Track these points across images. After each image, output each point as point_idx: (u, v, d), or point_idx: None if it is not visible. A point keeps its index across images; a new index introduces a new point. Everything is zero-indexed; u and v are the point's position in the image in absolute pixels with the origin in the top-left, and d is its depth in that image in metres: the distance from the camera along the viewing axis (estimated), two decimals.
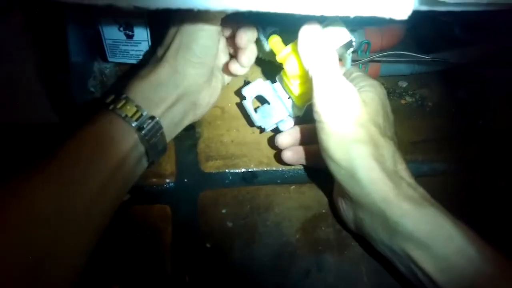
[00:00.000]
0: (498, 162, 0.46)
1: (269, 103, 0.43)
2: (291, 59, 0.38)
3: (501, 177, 0.44)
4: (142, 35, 0.45)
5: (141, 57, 0.47)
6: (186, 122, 0.41)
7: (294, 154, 0.42)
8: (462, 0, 0.28)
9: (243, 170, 0.44)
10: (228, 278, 0.38)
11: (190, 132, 0.46)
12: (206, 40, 0.37)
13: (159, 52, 0.38)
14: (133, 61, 0.47)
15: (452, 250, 0.30)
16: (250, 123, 0.44)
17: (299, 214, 0.41)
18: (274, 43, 0.39)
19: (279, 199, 0.42)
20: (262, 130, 0.43)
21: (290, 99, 0.42)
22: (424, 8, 0.29)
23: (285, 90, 0.42)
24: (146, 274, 0.37)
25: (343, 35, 0.36)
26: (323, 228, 0.41)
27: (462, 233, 0.30)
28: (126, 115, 0.34)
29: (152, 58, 0.39)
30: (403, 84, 0.52)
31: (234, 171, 0.44)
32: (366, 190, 0.32)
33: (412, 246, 0.31)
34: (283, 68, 0.40)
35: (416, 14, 0.29)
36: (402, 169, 0.34)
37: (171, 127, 0.39)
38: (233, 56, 0.41)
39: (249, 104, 0.42)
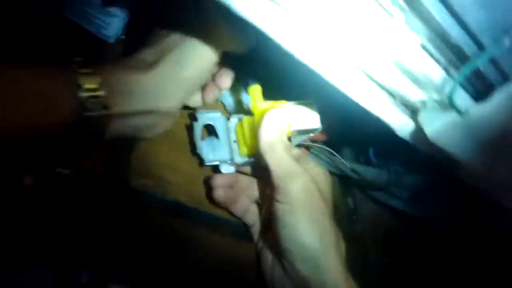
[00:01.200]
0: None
1: (217, 138, 0.42)
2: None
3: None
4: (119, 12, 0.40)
5: (104, 31, 0.40)
6: (127, 134, 0.36)
7: (225, 196, 0.40)
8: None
9: (173, 199, 0.40)
10: None
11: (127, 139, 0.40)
12: (205, 68, 0.35)
13: (148, 55, 0.35)
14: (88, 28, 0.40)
15: None
16: (193, 149, 0.42)
17: (218, 262, 0.39)
18: (255, 91, 0.40)
19: (202, 242, 0.39)
20: (202, 161, 0.41)
21: (235, 143, 0.42)
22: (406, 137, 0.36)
23: (235, 133, 0.42)
24: None
25: (314, 120, 0.40)
26: (236, 281, 0.39)
27: None
28: (81, 85, 0.29)
29: (136, 54, 0.35)
30: None
31: (164, 198, 0.39)
32: (323, 276, 0.33)
33: None
34: (246, 114, 0.40)
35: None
36: (345, 262, 0.38)
37: (113, 131, 0.33)
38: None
39: (199, 128, 0.40)
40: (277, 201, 0.34)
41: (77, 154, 0.35)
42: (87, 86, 0.29)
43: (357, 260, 0.54)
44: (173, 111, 0.36)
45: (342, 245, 0.38)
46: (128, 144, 0.39)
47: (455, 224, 0.57)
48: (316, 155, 0.55)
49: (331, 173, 0.59)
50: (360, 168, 0.57)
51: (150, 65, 0.33)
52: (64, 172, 0.34)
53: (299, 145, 0.50)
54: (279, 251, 0.36)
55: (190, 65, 0.34)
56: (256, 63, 0.44)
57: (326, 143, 0.59)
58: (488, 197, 0.38)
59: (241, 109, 0.46)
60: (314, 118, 0.40)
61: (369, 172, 0.56)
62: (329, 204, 0.37)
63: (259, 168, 0.43)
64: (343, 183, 0.62)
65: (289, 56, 0.28)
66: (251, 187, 0.43)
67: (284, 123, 0.36)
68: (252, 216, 0.42)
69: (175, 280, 0.36)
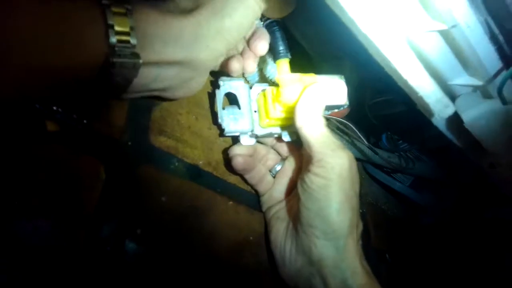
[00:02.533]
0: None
1: (239, 107, 0.40)
2: (294, 86, 0.36)
3: None
4: None
5: None
6: (156, 91, 0.34)
7: (244, 164, 0.39)
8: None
9: (191, 162, 0.38)
10: (140, 275, 0.31)
11: None
12: (247, 20, 0.33)
13: (186, 1, 0.32)
14: None
15: None
16: (213, 116, 0.40)
17: (231, 233, 0.39)
18: (283, 63, 0.39)
19: (217, 210, 0.38)
20: (222, 131, 0.40)
21: (256, 113, 0.40)
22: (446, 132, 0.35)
23: (258, 104, 0.40)
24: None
25: (342, 97, 0.39)
26: (248, 255, 0.39)
27: None
28: (112, 26, 0.26)
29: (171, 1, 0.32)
30: None
31: (182, 159, 0.38)
32: (340, 256, 0.33)
33: None
34: (271, 85, 0.39)
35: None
36: (360, 244, 0.37)
37: (143, 83, 0.31)
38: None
39: (220, 95, 0.38)
40: (314, 174, 0.33)
41: (99, 105, 0.33)
42: (118, 28, 0.26)
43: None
44: (209, 65, 0.34)
45: (360, 226, 0.37)
46: (150, 100, 0.38)
47: (454, 214, 0.58)
48: (331, 129, 0.54)
49: None
50: (384, 153, 0.57)
51: (188, 11, 0.30)
52: (84, 122, 0.32)
53: None
54: (297, 225, 0.35)
55: (231, 15, 0.31)
56: (288, 31, 0.42)
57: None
58: (503, 189, 0.39)
59: (263, 79, 0.44)
60: (343, 94, 0.39)
61: (393, 159, 0.56)
62: (359, 185, 0.37)
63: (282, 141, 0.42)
64: None
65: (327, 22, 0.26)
66: (267, 157, 0.42)
67: (323, 98, 0.35)
68: (265, 185, 0.41)
69: (188, 245, 0.35)
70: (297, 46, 0.46)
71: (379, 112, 0.57)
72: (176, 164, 0.37)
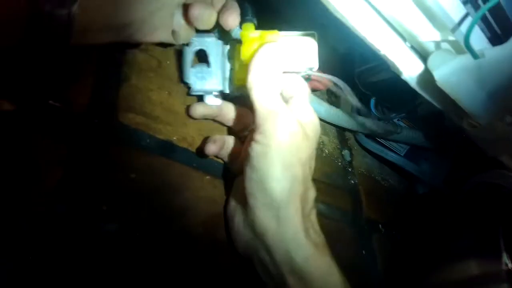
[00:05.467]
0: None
1: (209, 67, 0.39)
2: (253, 45, 0.35)
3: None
4: None
5: None
6: (116, 32, 0.31)
7: (216, 148, 0.38)
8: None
9: (164, 138, 0.38)
10: (112, 253, 0.31)
11: (115, 68, 0.37)
12: None
13: None
14: None
15: None
16: (180, 78, 0.39)
17: (206, 207, 0.38)
18: (247, 26, 0.37)
19: (191, 185, 0.38)
20: (189, 90, 0.39)
21: (230, 71, 0.39)
22: (412, 83, 0.34)
23: (231, 61, 0.39)
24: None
25: (311, 59, 0.37)
26: (223, 229, 0.39)
27: (344, 284, 0.34)
28: None
29: None
30: None
31: (154, 135, 0.38)
32: (281, 228, 0.32)
33: (298, 283, 0.32)
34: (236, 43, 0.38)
35: None
36: (313, 213, 0.36)
37: (95, 29, 0.28)
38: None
39: (190, 53, 0.37)
40: (255, 141, 0.32)
41: (62, 82, 0.33)
42: None
43: (349, 212, 0.54)
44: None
45: (311, 195, 0.36)
46: (116, 75, 0.37)
47: (445, 184, 0.56)
48: (319, 98, 0.52)
49: (331, 124, 0.58)
50: (366, 120, 0.55)
51: None
52: (56, 105, 0.31)
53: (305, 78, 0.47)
54: (243, 197, 0.34)
55: None
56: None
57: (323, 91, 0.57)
58: (487, 151, 0.37)
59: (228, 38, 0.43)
60: (312, 55, 0.37)
61: (367, 123, 0.55)
62: (310, 153, 0.35)
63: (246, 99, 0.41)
64: (341, 135, 0.61)
65: None
66: (238, 121, 0.41)
67: (278, 59, 0.33)
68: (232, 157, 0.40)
69: (161, 220, 0.35)
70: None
71: (367, 80, 0.55)
72: (148, 141, 0.37)
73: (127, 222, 0.32)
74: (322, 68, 0.54)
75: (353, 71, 0.56)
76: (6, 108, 0.28)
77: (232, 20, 0.35)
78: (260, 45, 0.34)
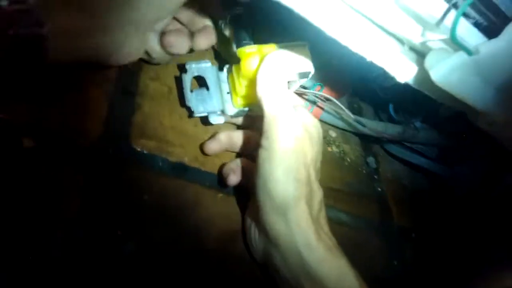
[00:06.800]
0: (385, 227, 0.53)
1: (208, 90, 0.41)
2: (253, 59, 0.36)
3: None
4: None
5: None
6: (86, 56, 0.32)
7: (237, 177, 0.39)
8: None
9: (176, 160, 0.40)
10: (130, 274, 0.33)
11: (128, 99, 0.40)
12: None
13: None
14: None
15: None
16: (182, 102, 0.41)
17: (220, 223, 0.39)
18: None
19: (205, 203, 0.39)
20: (190, 113, 0.40)
21: (228, 94, 0.41)
22: (415, 86, 0.33)
23: (228, 84, 0.41)
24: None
25: (306, 64, 0.38)
26: (240, 243, 0.39)
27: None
28: None
29: None
30: (333, 134, 0.56)
31: (167, 158, 0.40)
32: (291, 231, 0.32)
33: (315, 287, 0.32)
34: (235, 63, 0.39)
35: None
36: (322, 216, 0.36)
37: (65, 51, 0.29)
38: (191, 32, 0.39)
39: (188, 79, 0.40)
40: (261, 146, 0.32)
41: (73, 116, 0.36)
42: None
43: (375, 221, 0.52)
44: (147, 22, 0.33)
45: (318, 197, 0.35)
46: (130, 105, 0.40)
47: (481, 185, 0.53)
48: (328, 112, 0.52)
49: (351, 132, 0.57)
50: (378, 124, 0.54)
51: None
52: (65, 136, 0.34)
53: (299, 94, 0.48)
54: (255, 208, 0.34)
55: None
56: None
57: (344, 99, 0.56)
58: (510, 148, 0.34)
59: (227, 52, 0.44)
60: (307, 61, 0.38)
61: (389, 128, 0.54)
62: (315, 156, 0.35)
63: (253, 119, 0.42)
64: (364, 142, 0.60)
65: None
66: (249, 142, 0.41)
67: (282, 67, 0.34)
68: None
69: (175, 239, 0.36)
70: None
71: (382, 85, 0.54)
72: (160, 164, 0.39)
73: (143, 243, 0.34)
74: (337, 75, 0.55)
75: (369, 77, 0.55)
76: (27, 145, 0.31)
77: (203, 42, 0.38)
78: (262, 57, 0.35)
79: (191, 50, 0.40)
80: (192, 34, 0.38)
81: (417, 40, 0.29)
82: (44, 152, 0.33)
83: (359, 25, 0.29)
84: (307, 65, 0.37)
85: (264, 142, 0.33)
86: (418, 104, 0.51)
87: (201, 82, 0.41)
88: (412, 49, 0.32)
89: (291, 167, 0.32)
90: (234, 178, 0.39)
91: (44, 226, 0.30)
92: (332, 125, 0.56)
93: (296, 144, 0.32)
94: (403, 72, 0.31)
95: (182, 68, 0.40)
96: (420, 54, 0.33)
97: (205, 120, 0.42)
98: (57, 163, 0.33)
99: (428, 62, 0.29)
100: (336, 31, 0.28)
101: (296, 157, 0.32)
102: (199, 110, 0.39)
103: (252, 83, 0.37)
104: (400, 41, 0.32)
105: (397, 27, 0.28)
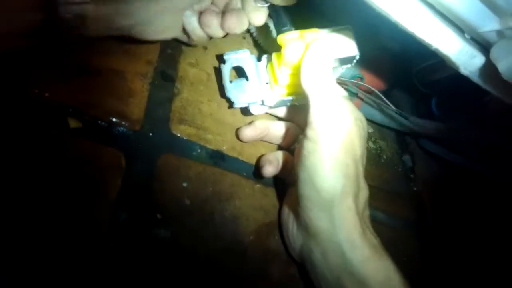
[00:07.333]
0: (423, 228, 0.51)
1: (247, 79, 0.39)
2: (295, 44, 0.34)
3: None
4: None
5: None
6: (123, 29, 0.32)
7: (272, 168, 0.38)
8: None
9: (214, 148, 0.39)
10: (166, 260, 0.32)
11: (168, 84, 0.39)
12: None
13: None
14: None
15: None
16: (222, 93, 0.40)
17: (257, 215, 0.38)
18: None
19: (242, 193, 0.38)
20: (231, 104, 0.39)
21: (267, 85, 0.39)
22: (475, 78, 0.31)
23: (268, 74, 0.39)
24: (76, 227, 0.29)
25: (351, 48, 0.36)
26: (276, 237, 0.38)
27: None
28: None
29: None
30: (370, 129, 0.54)
31: (205, 145, 0.39)
32: (336, 228, 0.31)
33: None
34: (275, 51, 0.37)
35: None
36: (366, 215, 0.34)
37: (105, 18, 0.29)
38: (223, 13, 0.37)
39: (227, 70, 0.38)
40: (306, 137, 0.31)
41: (116, 100, 0.35)
42: None
43: (411, 220, 0.50)
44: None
45: (364, 195, 0.34)
46: (170, 90, 0.39)
47: None
48: (370, 105, 0.50)
49: (387, 127, 0.55)
50: (420, 120, 0.52)
51: None
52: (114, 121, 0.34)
53: (342, 84, 0.46)
54: (296, 201, 0.33)
55: None
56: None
57: (382, 92, 0.54)
58: None
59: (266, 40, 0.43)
60: (351, 45, 0.36)
61: (428, 126, 0.51)
62: (363, 151, 0.33)
63: (295, 111, 0.41)
64: (401, 139, 0.58)
65: None
66: (288, 133, 0.40)
67: (328, 55, 0.33)
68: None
69: (212, 229, 0.35)
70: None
71: (426, 79, 0.52)
72: (199, 151, 0.38)
73: (180, 230, 0.33)
74: (374, 69, 0.52)
75: (410, 71, 0.53)
76: (74, 125, 0.31)
77: (234, 24, 0.36)
78: (305, 43, 0.34)
79: (227, 34, 0.38)
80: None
81: (484, 28, 0.27)
82: (88, 133, 0.32)
83: (423, 12, 0.27)
84: (352, 49, 0.35)
85: (310, 132, 0.31)
86: (464, 100, 0.49)
87: (240, 72, 0.40)
88: (474, 39, 0.30)
89: (341, 161, 0.30)
90: (269, 169, 0.37)
91: (87, 208, 0.30)
92: (370, 120, 0.54)
93: (347, 137, 0.30)
94: (469, 61, 0.29)
95: (221, 59, 0.39)
96: (481, 45, 0.31)
97: (244, 110, 0.41)
98: (100, 144, 0.33)
99: (496, 53, 0.27)
100: (403, 16, 0.26)
101: (346, 151, 0.30)
102: (239, 101, 0.38)
103: (295, 71, 0.35)
104: (460, 29, 0.30)
105: (463, 12, 0.26)
